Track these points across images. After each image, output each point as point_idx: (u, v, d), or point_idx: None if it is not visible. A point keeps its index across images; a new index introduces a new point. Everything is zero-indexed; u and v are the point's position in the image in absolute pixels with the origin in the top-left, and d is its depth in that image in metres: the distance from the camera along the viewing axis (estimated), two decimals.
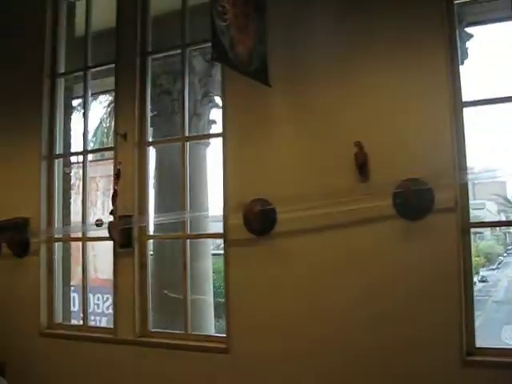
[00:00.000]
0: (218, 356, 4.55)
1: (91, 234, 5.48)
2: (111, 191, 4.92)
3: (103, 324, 6.42)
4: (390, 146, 4.00)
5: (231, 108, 4.67)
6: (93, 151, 5.70)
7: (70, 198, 5.80)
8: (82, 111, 5.74)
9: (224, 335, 4.64)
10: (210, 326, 7.38)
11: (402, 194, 3.87)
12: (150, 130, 5.20)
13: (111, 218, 4.92)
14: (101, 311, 7.38)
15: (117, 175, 4.89)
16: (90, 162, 5.96)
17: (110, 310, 7.56)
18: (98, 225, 5.07)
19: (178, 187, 5.00)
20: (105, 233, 5.07)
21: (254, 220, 4.39)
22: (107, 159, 7.47)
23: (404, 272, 3.91)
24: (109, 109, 12.76)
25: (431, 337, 3.79)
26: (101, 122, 13.83)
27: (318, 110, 4.30)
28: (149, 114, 5.19)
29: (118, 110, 5.32)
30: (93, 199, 5.62)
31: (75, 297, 6.06)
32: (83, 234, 5.46)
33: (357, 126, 4.13)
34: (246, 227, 4.43)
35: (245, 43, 3.89)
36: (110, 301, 7.64)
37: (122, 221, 4.88)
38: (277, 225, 4.34)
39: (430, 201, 3.83)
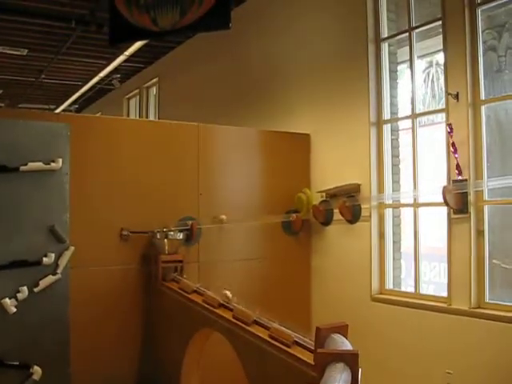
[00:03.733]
0: None
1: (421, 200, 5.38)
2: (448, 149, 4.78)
3: (430, 292, 6.25)
4: None
5: None
6: (422, 114, 5.52)
7: (398, 164, 5.75)
8: (409, 73, 5.63)
9: None
10: None
11: None
12: (482, 89, 4.83)
13: (438, 184, 4.75)
14: (427, 279, 7.21)
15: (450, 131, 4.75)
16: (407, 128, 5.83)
17: (438, 279, 7.35)
18: None
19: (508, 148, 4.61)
20: (436, 198, 4.90)
21: None
22: (427, 125, 7.25)
23: None
24: (423, 75, 12.46)
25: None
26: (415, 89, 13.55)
27: None
28: (482, 71, 4.84)
29: (447, 69, 5.05)
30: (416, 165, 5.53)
31: (401, 264, 6.01)
32: (415, 200, 5.38)
33: None
34: None
35: None
36: (437, 269, 7.43)
37: (457, 185, 4.66)
38: None
39: None
